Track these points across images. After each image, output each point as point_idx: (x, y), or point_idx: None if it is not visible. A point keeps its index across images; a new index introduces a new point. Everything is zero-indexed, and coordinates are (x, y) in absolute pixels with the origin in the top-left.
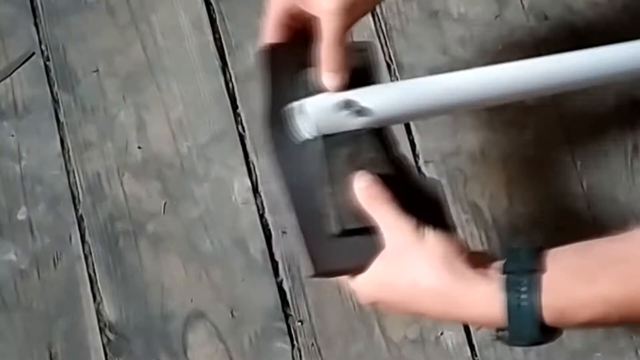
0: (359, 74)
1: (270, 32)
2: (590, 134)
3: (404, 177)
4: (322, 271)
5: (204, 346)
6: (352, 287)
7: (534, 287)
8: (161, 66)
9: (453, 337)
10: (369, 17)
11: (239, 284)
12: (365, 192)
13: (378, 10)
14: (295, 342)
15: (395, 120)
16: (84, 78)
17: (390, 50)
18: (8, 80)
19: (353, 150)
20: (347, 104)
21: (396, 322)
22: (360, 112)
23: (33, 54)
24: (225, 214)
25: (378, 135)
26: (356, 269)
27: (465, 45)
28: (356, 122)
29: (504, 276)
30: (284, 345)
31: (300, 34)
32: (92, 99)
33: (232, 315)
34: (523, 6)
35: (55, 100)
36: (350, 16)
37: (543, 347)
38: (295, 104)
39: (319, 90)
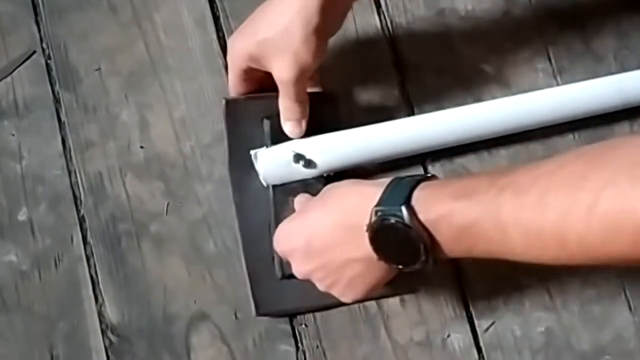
0: (325, 120)
1: (235, 86)
2: (598, 134)
3: None
4: (265, 312)
5: (208, 348)
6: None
7: (413, 184)
8: (164, 65)
9: (460, 340)
10: (375, 15)
11: (242, 286)
12: (298, 199)
13: (384, 7)
14: (299, 345)
15: (343, 168)
16: (86, 77)
17: (396, 49)
18: (9, 79)
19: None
20: (297, 157)
21: (402, 324)
22: (309, 164)
23: (34, 52)
24: (229, 214)
25: (328, 181)
26: (300, 311)
27: (472, 43)
28: (305, 172)
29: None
30: (288, 347)
31: (262, 79)
32: (94, 98)
33: (236, 317)
34: (531, 2)
35: (56, 99)
36: (304, 80)
37: (551, 350)
38: (252, 152)
39: (277, 140)
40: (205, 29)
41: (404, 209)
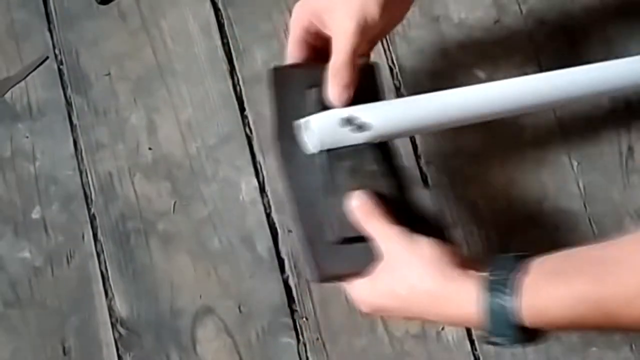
0: (365, 92)
1: (292, 50)
2: (587, 136)
3: (402, 191)
4: (325, 277)
5: (213, 341)
6: (353, 297)
7: (515, 288)
8: (171, 70)
9: (454, 332)
10: None
11: (246, 281)
12: (359, 209)
13: None
14: (300, 337)
15: (395, 135)
16: (97, 81)
17: (393, 55)
18: (23, 83)
19: (355, 164)
20: (350, 120)
21: None
22: (362, 127)
23: (47, 58)
24: (233, 213)
25: (379, 149)
26: (356, 274)
27: (465, 49)
28: (358, 137)
29: (489, 277)
30: (289, 340)
31: (318, 53)
32: (104, 101)
33: (240, 310)
34: (521, 11)
35: (68, 103)
36: (364, 37)
37: (541, 342)
38: (302, 120)
39: (325, 107)
40: (210, 35)
41: (514, 333)
